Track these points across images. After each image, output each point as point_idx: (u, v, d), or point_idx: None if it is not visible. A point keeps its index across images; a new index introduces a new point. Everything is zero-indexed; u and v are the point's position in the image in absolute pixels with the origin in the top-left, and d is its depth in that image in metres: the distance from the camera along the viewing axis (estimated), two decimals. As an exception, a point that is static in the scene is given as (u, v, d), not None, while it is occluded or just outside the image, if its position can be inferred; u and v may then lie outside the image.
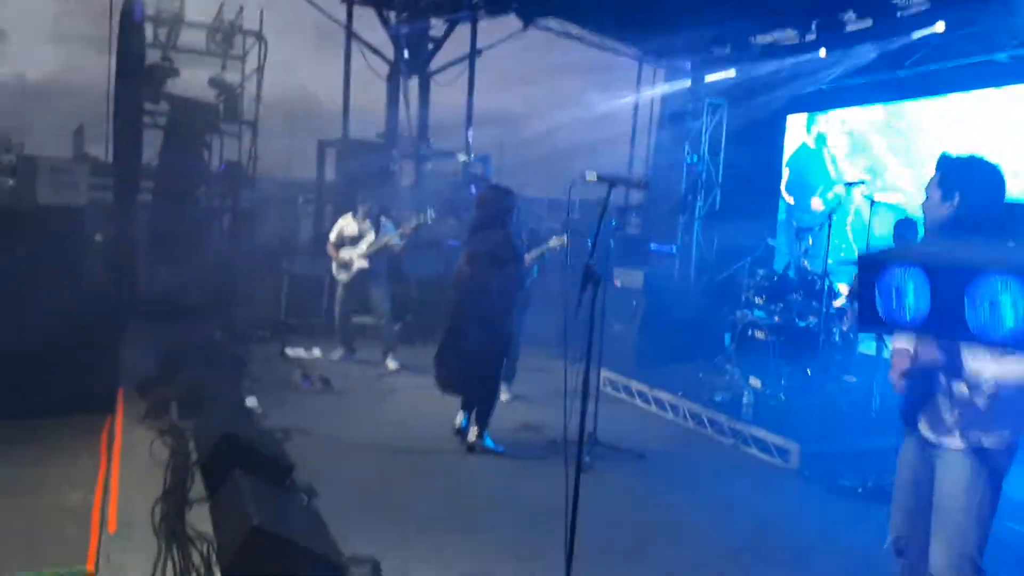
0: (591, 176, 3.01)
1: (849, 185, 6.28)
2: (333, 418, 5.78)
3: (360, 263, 7.60)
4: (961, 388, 2.67)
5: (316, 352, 7.95)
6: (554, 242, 6.41)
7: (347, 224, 7.74)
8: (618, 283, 8.19)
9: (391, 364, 7.56)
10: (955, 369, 2.57)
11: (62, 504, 4.08)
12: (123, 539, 3.53)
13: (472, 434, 5.29)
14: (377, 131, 10.65)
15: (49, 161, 6.64)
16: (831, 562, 3.97)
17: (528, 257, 6.29)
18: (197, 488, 4.06)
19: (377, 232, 7.60)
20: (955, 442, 2.71)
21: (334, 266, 7.77)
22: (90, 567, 3.43)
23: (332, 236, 7.79)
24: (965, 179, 2.67)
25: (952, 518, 2.68)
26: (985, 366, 2.55)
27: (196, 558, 3.33)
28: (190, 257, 10.01)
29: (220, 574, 3.15)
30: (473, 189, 9.80)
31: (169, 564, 3.28)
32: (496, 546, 3.83)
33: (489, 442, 5.33)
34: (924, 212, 2.78)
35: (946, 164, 2.72)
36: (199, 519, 3.65)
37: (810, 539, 4.24)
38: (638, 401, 6.94)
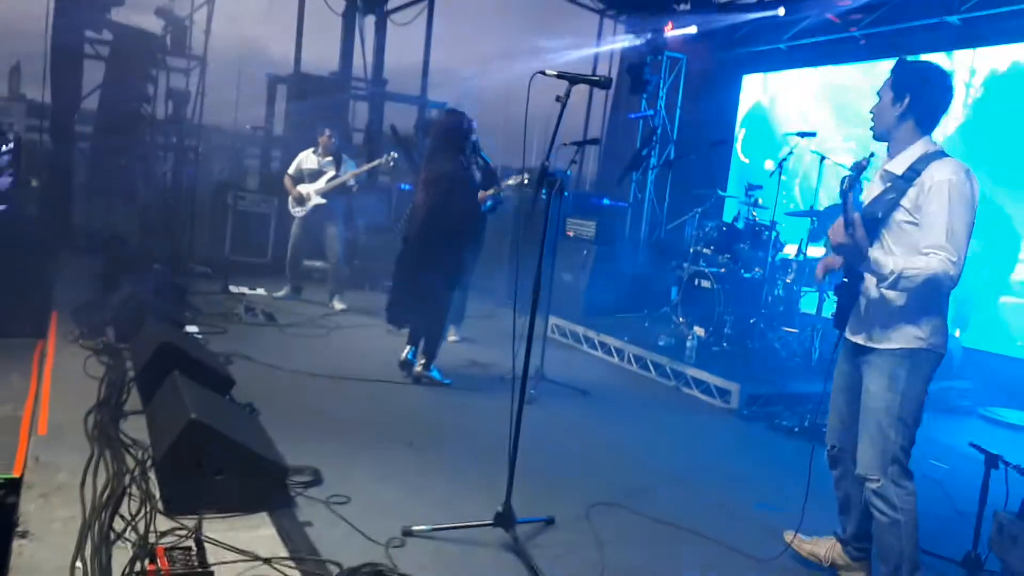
0: (550, 72, 3.00)
1: (801, 135, 6.39)
2: (276, 349, 5.73)
3: (317, 199, 7.50)
4: (872, 285, 2.78)
5: (260, 291, 7.85)
6: (512, 180, 6.38)
7: (306, 158, 7.62)
8: (570, 233, 8.22)
9: (337, 304, 7.51)
10: (860, 260, 2.65)
11: (-9, 414, 3.97)
12: (54, 443, 3.45)
13: (419, 365, 5.29)
14: (331, 70, 10.43)
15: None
16: (768, 487, 4.09)
17: (483, 194, 6.26)
18: (133, 403, 3.99)
19: (338, 169, 7.50)
20: (875, 343, 2.82)
21: (290, 200, 7.66)
22: (16, 472, 3.35)
23: (291, 169, 7.67)
24: (917, 81, 2.75)
25: (875, 418, 2.79)
26: (890, 258, 2.65)
27: (130, 462, 3.28)
28: (131, 192, 9.76)
29: (155, 476, 3.11)
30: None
31: (102, 467, 3.22)
32: (440, 465, 3.85)
33: (436, 373, 5.34)
34: (873, 117, 2.85)
35: (900, 67, 2.79)
36: (134, 430, 3.59)
37: (747, 468, 4.37)
38: (585, 347, 7.03)
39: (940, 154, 2.72)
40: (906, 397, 2.75)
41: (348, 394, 4.91)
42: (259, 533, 2.87)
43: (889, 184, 2.77)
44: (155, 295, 5.62)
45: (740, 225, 6.92)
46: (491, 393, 5.24)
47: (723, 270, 6.65)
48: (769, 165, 8.83)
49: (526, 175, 6.24)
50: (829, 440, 3.09)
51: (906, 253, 2.67)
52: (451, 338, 6.66)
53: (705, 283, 6.59)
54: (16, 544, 2.60)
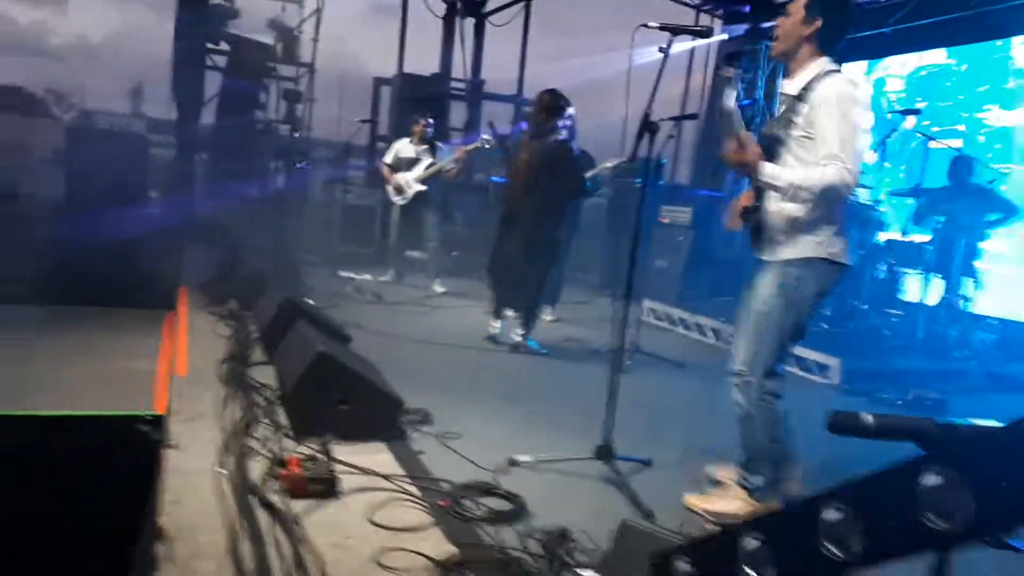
0: (653, 24, 3.10)
1: (904, 113, 6.27)
2: (384, 321, 6.05)
3: (416, 186, 7.79)
4: (773, 200, 2.82)
5: (367, 276, 8.24)
6: (610, 163, 6.52)
7: (403, 147, 7.92)
8: (665, 220, 8.28)
9: (438, 287, 7.78)
10: (757, 176, 2.68)
11: (131, 367, 4.38)
12: (193, 383, 3.80)
13: (517, 334, 5.48)
14: (432, 71, 10.84)
15: (107, 117, 6.97)
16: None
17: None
18: (258, 359, 4.33)
19: (434, 156, 7.78)
20: (775, 255, 2.87)
21: (389, 190, 7.98)
22: (161, 410, 3.71)
23: (387, 158, 7.99)
24: (832, 5, 2.78)
25: (756, 320, 2.86)
26: (785, 171, 2.68)
27: (260, 401, 3.58)
28: (246, 191, 10.41)
29: (284, 408, 3.40)
30: (524, 127, 9.96)
31: (236, 405, 3.54)
32: (542, 415, 4.02)
33: (533, 343, 5.52)
34: (777, 35, 2.87)
35: None
36: (261, 377, 3.91)
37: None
38: (680, 328, 7.06)
39: (833, 72, 2.76)
40: (791, 304, 2.80)
41: (452, 358, 5.16)
42: (377, 458, 3.11)
43: (785, 105, 2.82)
44: (273, 270, 6.02)
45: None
46: (587, 362, 5.38)
47: (823, 251, 6.55)
48: (871, 158, 8.65)
49: (623, 159, 6.38)
50: (733, 363, 3.09)
51: (805, 167, 2.72)
52: (547, 317, 6.83)
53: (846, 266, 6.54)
54: (167, 453, 2.91)
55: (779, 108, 2.90)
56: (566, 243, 6.74)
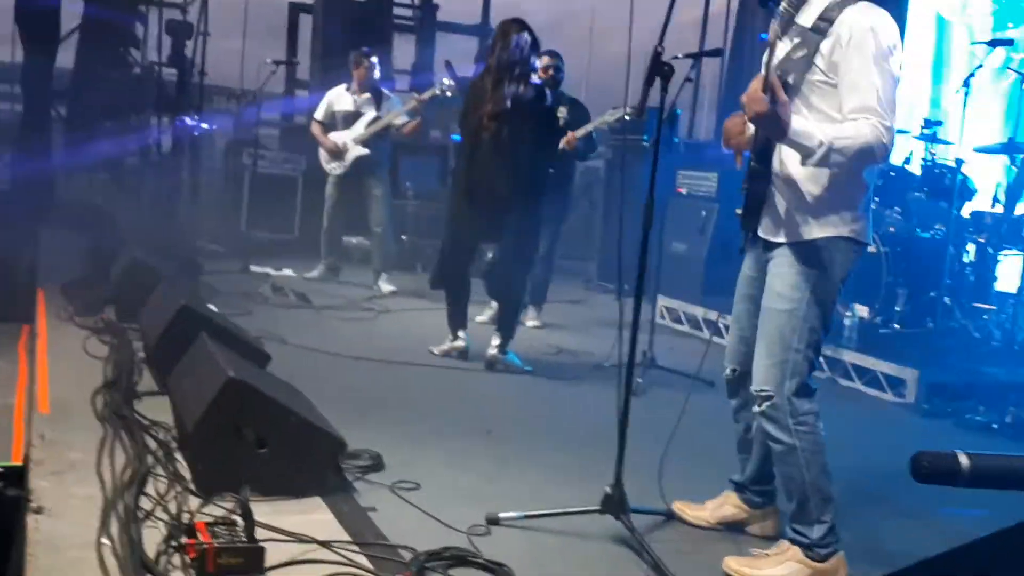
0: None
1: (992, 44, 6.36)
2: (314, 332, 6.06)
3: (357, 149, 7.80)
4: (793, 163, 2.91)
5: (288, 271, 8.25)
6: (609, 116, 6.55)
7: (339, 98, 7.93)
8: (682, 190, 8.35)
9: (385, 285, 7.80)
10: (782, 133, 2.74)
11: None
12: (59, 422, 3.76)
13: (493, 347, 5.51)
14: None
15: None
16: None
17: (572, 135, 6.46)
18: (146, 386, 4.31)
19: (379, 109, 7.79)
20: (788, 236, 2.98)
21: (322, 155, 7.98)
22: (16, 459, 3.67)
23: (319, 114, 8.00)
24: None
25: (775, 322, 2.98)
26: (816, 128, 2.76)
27: (151, 443, 3.56)
28: (119, 158, 10.31)
29: (185, 455, 3.39)
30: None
31: (118, 449, 3.51)
32: (525, 455, 4.05)
33: (513, 357, 5.56)
34: None
35: None
36: (151, 411, 3.88)
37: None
38: (705, 333, 7.14)
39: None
40: (815, 296, 2.94)
41: (406, 380, 5.19)
42: (313, 517, 3.11)
43: (798, 40, 2.90)
44: (163, 265, 5.97)
45: (914, 168, 6.93)
46: (584, 383, 5.44)
47: (892, 229, 6.67)
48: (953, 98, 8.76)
49: (627, 108, 6.42)
50: (728, 362, 3.30)
51: (823, 121, 2.81)
52: (530, 323, 6.90)
53: (868, 247, 6.62)
54: (31, 519, 2.89)
55: (790, 43, 2.96)
56: (552, 224, 6.84)
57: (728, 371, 3.33)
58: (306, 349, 5.57)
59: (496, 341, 5.54)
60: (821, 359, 6.14)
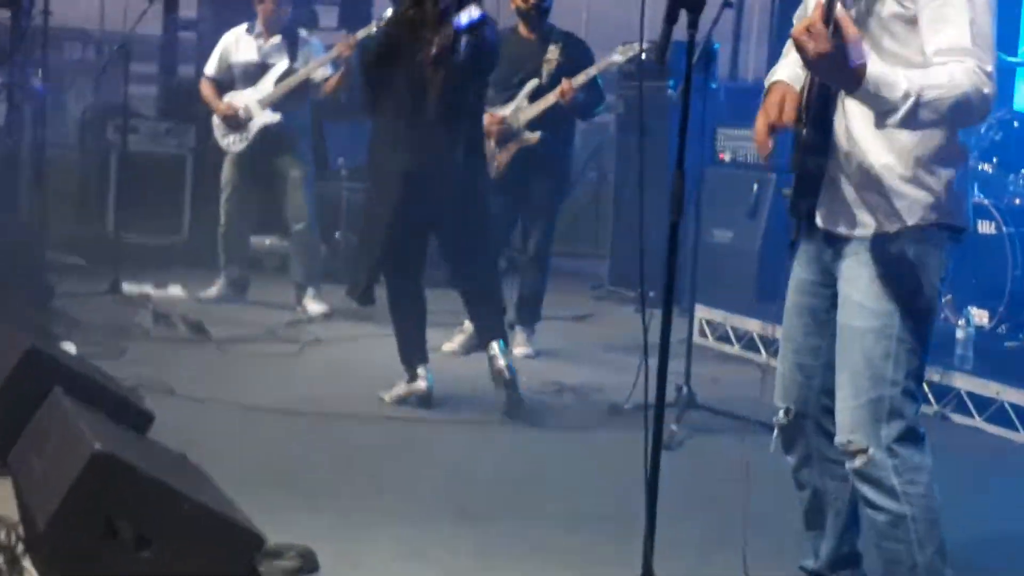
0: None
1: None
2: (214, 376, 6.05)
3: (264, 115, 7.78)
4: (857, 128, 2.94)
5: (176, 289, 8.23)
6: (619, 55, 6.59)
7: (237, 44, 7.89)
8: (724, 156, 8.36)
9: (312, 305, 7.79)
10: (853, 83, 2.71)
11: None
12: None
13: (499, 361, 5.57)
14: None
15: None
16: None
17: (567, 83, 6.46)
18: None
19: (294, 58, 7.78)
20: (863, 227, 3.00)
21: (215, 124, 7.95)
22: None
23: (210, 67, 7.99)
24: None
25: (860, 345, 2.98)
26: (899, 73, 2.72)
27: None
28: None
29: (34, 558, 3.35)
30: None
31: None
32: (511, 543, 4.05)
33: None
34: None
35: None
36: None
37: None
38: (763, 355, 7.12)
39: None
40: (913, 304, 2.95)
41: (346, 440, 5.17)
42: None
43: None
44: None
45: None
46: (596, 433, 5.47)
47: (1017, 201, 6.69)
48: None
49: (644, 45, 6.41)
50: (780, 400, 3.29)
51: (895, 67, 2.77)
52: (519, 350, 6.92)
53: (985, 226, 6.62)
54: None
55: None
56: (543, 213, 6.92)
57: (781, 414, 3.31)
58: (204, 401, 5.53)
59: (495, 350, 5.58)
60: (925, 385, 6.14)
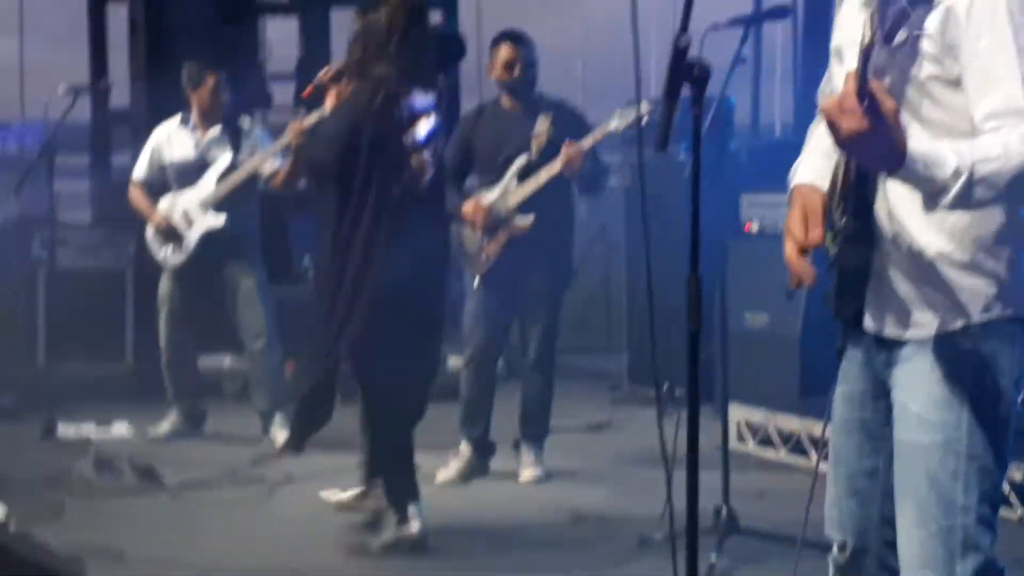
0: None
1: None
2: (171, 533, 5.99)
3: (206, 219, 7.75)
4: (904, 212, 2.89)
5: (120, 428, 8.15)
6: (617, 121, 6.55)
7: (170, 140, 7.88)
8: (751, 226, 8.27)
9: (282, 435, 7.62)
10: (893, 162, 2.66)
11: None
12: None
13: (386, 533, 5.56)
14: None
15: None
16: None
17: (569, 149, 6.47)
18: None
19: (237, 150, 7.78)
20: (917, 328, 2.93)
21: (149, 235, 7.91)
22: None
23: (138, 170, 7.97)
24: None
25: (925, 465, 2.92)
26: (945, 148, 2.67)
27: None
28: None
29: None
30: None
31: None
32: None
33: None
34: None
35: None
36: None
37: None
38: (813, 459, 7.02)
39: None
40: (984, 413, 2.90)
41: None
42: None
43: (896, 9, 2.81)
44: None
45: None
46: (622, 571, 5.41)
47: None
48: None
49: (644, 106, 6.37)
50: (834, 532, 3.21)
51: (939, 138, 2.75)
52: (526, 473, 6.90)
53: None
54: None
55: (867, 25, 2.84)
56: (543, 308, 6.89)
57: (836, 549, 3.23)
58: (161, 565, 5.45)
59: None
60: (1006, 485, 6.02)
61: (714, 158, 6.46)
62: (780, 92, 12.55)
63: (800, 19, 10.35)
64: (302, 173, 7.23)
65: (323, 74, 5.96)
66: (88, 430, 8.02)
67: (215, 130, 7.77)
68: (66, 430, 7.96)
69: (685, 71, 3.08)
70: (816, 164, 3.14)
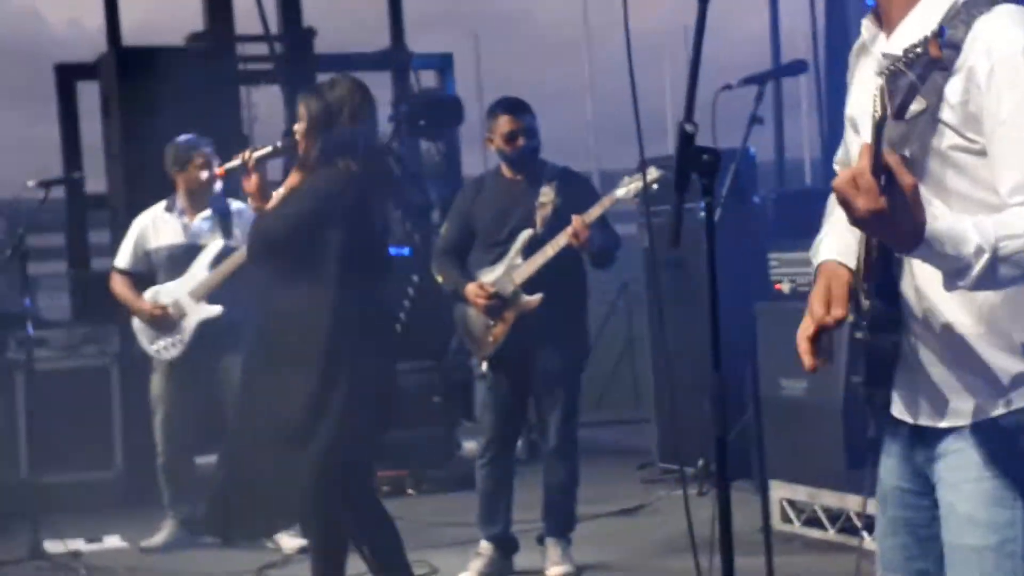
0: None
1: None
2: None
3: (200, 310, 7.75)
4: (932, 291, 2.87)
5: (113, 540, 8.14)
6: (626, 187, 6.53)
7: (156, 226, 7.89)
8: (782, 287, 8.22)
9: (289, 541, 7.62)
10: (911, 243, 2.66)
11: None
12: None
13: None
14: (188, 32, 10.91)
15: None
16: None
17: (579, 221, 6.40)
18: None
19: (228, 234, 7.78)
20: (955, 416, 2.91)
21: (138, 329, 7.91)
22: None
23: (121, 259, 7.97)
24: None
25: (978, 570, 2.89)
26: (968, 225, 2.66)
27: None
28: None
29: None
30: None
31: None
32: None
33: None
34: None
35: None
36: None
37: None
38: (868, 539, 6.93)
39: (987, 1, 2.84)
40: None
41: None
42: None
43: (905, 82, 2.80)
44: None
45: None
46: None
47: None
48: None
49: (653, 172, 6.35)
50: None
51: (966, 211, 2.76)
52: (555, 571, 6.81)
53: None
54: None
55: (878, 99, 2.85)
56: (564, 384, 6.80)
57: None
58: None
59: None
60: None
61: (738, 216, 6.43)
62: (807, 123, 12.52)
63: (823, 65, 10.34)
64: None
65: (248, 155, 5.95)
66: (77, 545, 7.95)
67: (205, 213, 7.76)
68: (53, 547, 7.84)
69: (693, 159, 3.09)
70: (842, 238, 3.13)
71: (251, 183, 5.81)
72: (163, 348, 7.79)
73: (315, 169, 5.57)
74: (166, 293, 7.76)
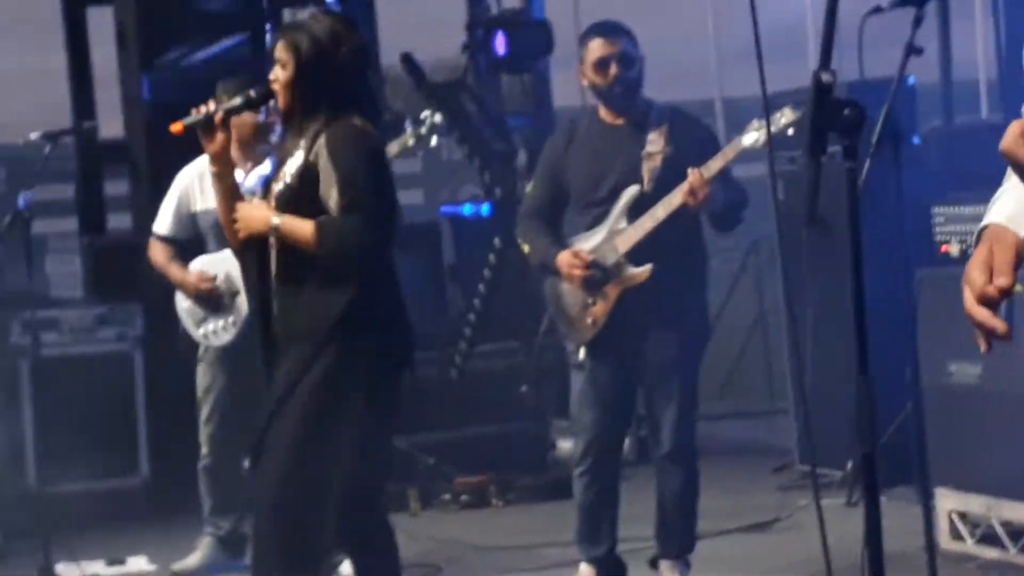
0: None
1: None
2: None
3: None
4: None
5: (139, 562, 8.22)
6: (752, 135, 6.45)
7: (201, 184, 7.82)
8: (949, 248, 8.14)
9: (345, 571, 7.62)
10: None
11: None
12: None
13: None
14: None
15: None
16: None
17: (696, 177, 6.33)
18: None
19: None
20: None
21: (183, 307, 7.93)
22: None
23: (161, 224, 7.98)
24: None
25: None
26: None
27: None
28: None
29: None
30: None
31: None
32: None
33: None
34: None
35: None
36: None
37: None
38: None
39: None
40: None
41: None
42: None
43: None
44: None
45: None
46: None
47: None
48: None
49: (788, 114, 6.27)
50: None
51: None
52: None
53: None
54: None
55: None
56: (679, 373, 6.75)
57: None
58: None
59: None
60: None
61: (895, 162, 6.33)
62: (981, 33, 12.36)
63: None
64: None
65: (214, 107, 5.84)
66: (96, 568, 8.03)
67: (261, 168, 7.64)
68: (68, 571, 7.91)
69: (831, 116, 3.00)
70: (1020, 200, 3.05)
71: (215, 143, 5.70)
72: (213, 332, 7.79)
73: (316, 129, 5.52)
74: (217, 264, 7.76)
